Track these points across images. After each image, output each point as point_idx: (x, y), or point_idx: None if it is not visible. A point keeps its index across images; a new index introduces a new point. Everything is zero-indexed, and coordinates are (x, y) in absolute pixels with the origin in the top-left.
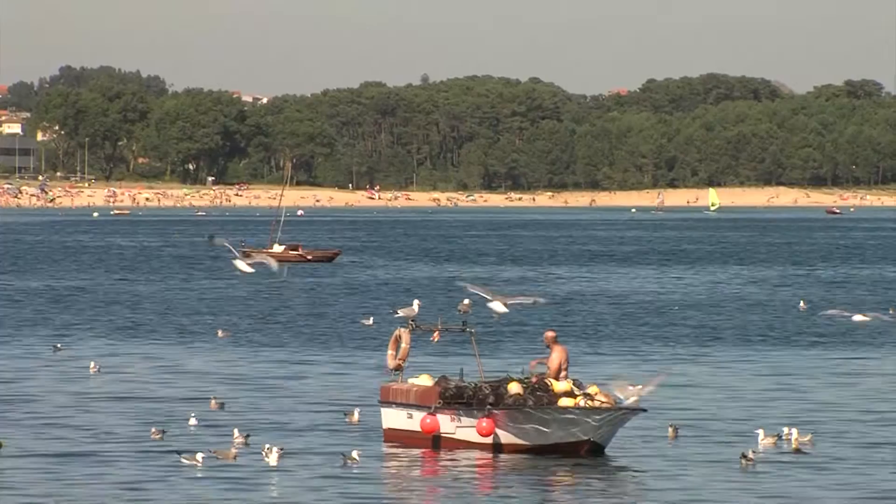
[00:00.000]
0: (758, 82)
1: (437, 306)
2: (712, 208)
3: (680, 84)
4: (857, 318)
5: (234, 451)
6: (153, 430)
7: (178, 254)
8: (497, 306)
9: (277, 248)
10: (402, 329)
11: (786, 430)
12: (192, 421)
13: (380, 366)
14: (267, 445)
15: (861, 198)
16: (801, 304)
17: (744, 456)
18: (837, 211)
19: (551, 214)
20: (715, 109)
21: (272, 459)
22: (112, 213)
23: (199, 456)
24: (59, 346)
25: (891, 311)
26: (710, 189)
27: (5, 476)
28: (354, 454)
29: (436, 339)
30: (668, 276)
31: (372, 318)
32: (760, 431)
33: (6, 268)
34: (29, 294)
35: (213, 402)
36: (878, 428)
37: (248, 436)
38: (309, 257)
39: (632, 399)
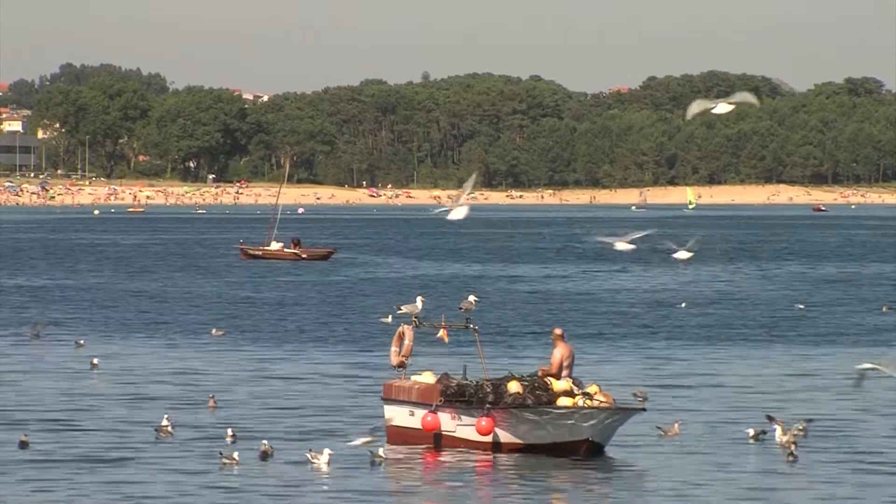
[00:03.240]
0: (758, 80)
1: (440, 304)
2: (690, 206)
3: (681, 82)
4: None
5: (266, 448)
6: (165, 424)
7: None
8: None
9: (275, 246)
10: (406, 326)
11: (778, 428)
12: (164, 421)
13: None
14: (311, 449)
15: (862, 195)
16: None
17: (791, 453)
18: (824, 209)
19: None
20: None
21: (323, 462)
22: (127, 210)
23: (237, 454)
24: (81, 342)
25: (885, 309)
26: (687, 188)
27: (33, 475)
28: (381, 452)
29: (444, 338)
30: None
31: (391, 317)
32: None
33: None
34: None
35: (211, 401)
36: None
37: (234, 434)
38: (304, 256)
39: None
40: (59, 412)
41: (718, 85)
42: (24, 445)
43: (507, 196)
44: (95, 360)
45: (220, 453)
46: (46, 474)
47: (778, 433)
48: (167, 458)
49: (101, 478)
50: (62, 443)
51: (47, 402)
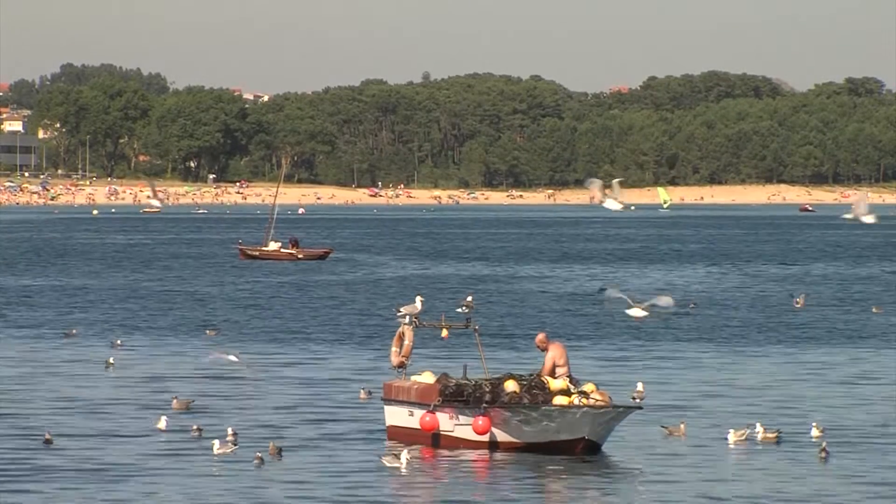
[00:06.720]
0: (759, 80)
1: (440, 303)
2: (665, 206)
3: (681, 82)
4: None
5: (272, 446)
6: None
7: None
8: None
9: (273, 246)
10: (406, 326)
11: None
12: (161, 424)
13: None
14: (380, 454)
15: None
16: (799, 301)
17: (823, 449)
18: (811, 208)
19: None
20: (716, 107)
21: (402, 463)
22: (141, 210)
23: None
24: (119, 342)
25: (875, 310)
26: (659, 188)
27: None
28: (403, 455)
29: (445, 336)
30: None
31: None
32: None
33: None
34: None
35: (175, 401)
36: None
37: (236, 433)
38: (300, 256)
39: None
40: (79, 411)
41: (719, 85)
42: (48, 443)
43: (508, 196)
44: (111, 360)
45: (258, 454)
46: (67, 475)
47: (760, 432)
48: (180, 459)
49: (115, 479)
50: (82, 443)
51: (67, 401)
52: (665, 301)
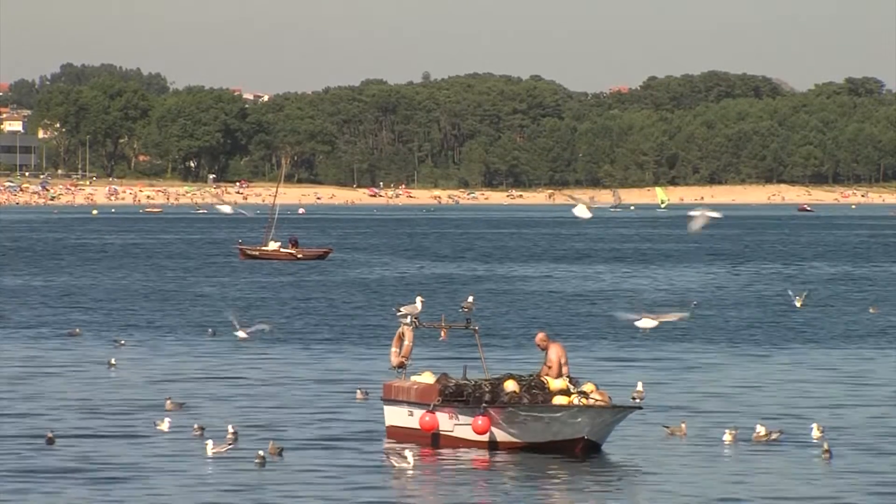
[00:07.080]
0: (759, 80)
1: (440, 304)
2: (662, 206)
3: (681, 82)
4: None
5: (272, 446)
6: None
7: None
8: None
9: (272, 246)
10: (406, 326)
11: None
12: (164, 426)
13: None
14: (389, 454)
15: (863, 195)
16: (798, 301)
17: (826, 450)
18: (809, 209)
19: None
20: (716, 107)
21: (409, 463)
22: (142, 210)
23: (261, 452)
24: (123, 341)
25: (871, 310)
26: (657, 188)
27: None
28: (408, 455)
29: (444, 337)
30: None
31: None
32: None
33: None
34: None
35: (168, 402)
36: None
37: (236, 433)
38: (300, 256)
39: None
40: (81, 411)
41: (719, 85)
42: (50, 442)
43: (508, 196)
44: (113, 360)
45: (259, 453)
46: (68, 475)
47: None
48: (179, 459)
49: (116, 479)
50: (84, 443)
51: (69, 401)
52: (678, 317)
